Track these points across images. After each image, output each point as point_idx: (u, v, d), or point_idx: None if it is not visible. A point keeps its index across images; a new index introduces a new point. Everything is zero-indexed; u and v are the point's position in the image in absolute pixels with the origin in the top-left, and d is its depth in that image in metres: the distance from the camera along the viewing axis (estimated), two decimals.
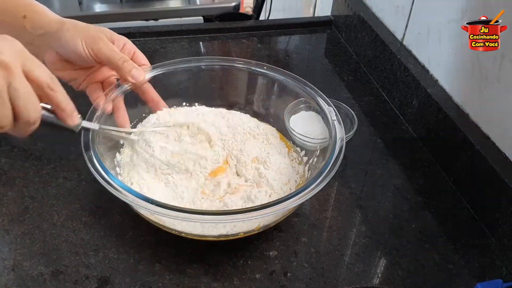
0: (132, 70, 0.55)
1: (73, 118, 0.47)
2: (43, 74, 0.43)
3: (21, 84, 0.40)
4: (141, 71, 0.56)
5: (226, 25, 0.98)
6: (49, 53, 0.54)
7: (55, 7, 1.09)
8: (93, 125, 0.52)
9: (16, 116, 0.41)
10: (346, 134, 0.65)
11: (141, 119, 0.63)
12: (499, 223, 0.56)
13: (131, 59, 0.57)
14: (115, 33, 0.57)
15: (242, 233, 0.51)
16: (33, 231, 0.55)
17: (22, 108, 0.41)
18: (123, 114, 0.57)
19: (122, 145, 0.60)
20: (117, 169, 0.57)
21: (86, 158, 0.48)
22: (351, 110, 0.69)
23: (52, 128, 0.47)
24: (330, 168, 0.49)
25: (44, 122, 0.45)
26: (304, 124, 0.63)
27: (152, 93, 0.61)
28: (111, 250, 0.53)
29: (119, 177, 0.55)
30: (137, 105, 0.62)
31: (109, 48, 0.53)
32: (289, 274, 0.52)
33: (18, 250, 0.52)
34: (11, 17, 0.53)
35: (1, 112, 0.39)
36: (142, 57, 0.58)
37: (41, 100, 0.43)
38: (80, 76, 0.57)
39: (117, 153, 0.59)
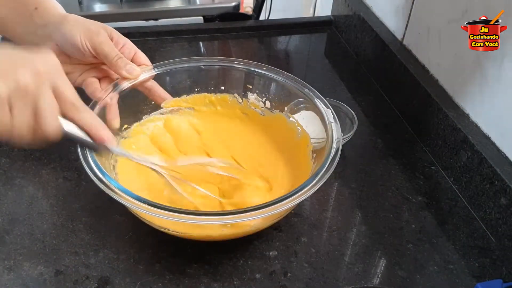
0: (127, 65, 0.55)
1: (107, 135, 0.47)
2: (70, 92, 0.43)
3: (47, 95, 0.41)
4: (136, 67, 0.56)
5: (226, 25, 0.98)
6: (50, 44, 0.55)
7: None
8: (119, 151, 0.52)
9: (35, 127, 0.41)
10: (346, 134, 0.66)
11: (137, 119, 0.63)
12: (499, 223, 0.56)
13: (132, 59, 0.58)
14: (117, 32, 0.57)
15: (237, 234, 0.51)
16: (33, 231, 0.55)
17: (42, 119, 0.41)
18: (114, 111, 0.57)
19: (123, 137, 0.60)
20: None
21: (82, 159, 0.48)
22: (351, 110, 0.69)
23: (81, 146, 0.48)
24: (326, 169, 0.49)
25: (72, 139, 0.46)
26: (304, 124, 0.63)
27: (158, 91, 0.61)
28: (111, 250, 0.53)
29: (117, 174, 0.56)
30: (135, 105, 0.63)
31: (106, 43, 0.54)
32: (289, 274, 0.52)
33: (18, 250, 0.52)
34: (24, 6, 0.56)
35: (22, 114, 0.40)
36: (143, 57, 0.59)
37: (68, 118, 0.44)
38: (77, 71, 0.57)
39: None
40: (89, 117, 0.46)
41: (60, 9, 0.57)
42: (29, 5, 0.55)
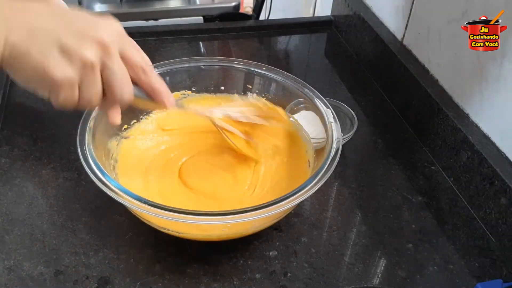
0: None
1: (170, 100, 0.48)
2: (138, 57, 0.44)
3: (118, 65, 0.41)
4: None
5: (226, 25, 0.98)
6: None
7: None
8: (179, 105, 0.52)
9: (108, 95, 0.42)
10: (346, 134, 0.66)
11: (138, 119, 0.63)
12: (499, 223, 0.56)
13: None
14: None
15: (237, 234, 0.51)
16: (33, 231, 0.55)
17: (117, 89, 0.42)
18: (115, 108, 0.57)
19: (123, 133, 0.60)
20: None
21: (82, 159, 0.48)
22: (351, 110, 0.69)
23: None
24: (326, 169, 0.49)
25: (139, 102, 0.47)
26: (304, 123, 0.63)
27: None
28: (111, 250, 0.53)
29: (116, 171, 0.56)
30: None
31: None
32: (289, 274, 0.52)
33: (18, 250, 0.52)
34: None
35: (91, 89, 0.41)
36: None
37: (134, 82, 0.44)
38: None
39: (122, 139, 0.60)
40: (156, 81, 0.46)
41: (63, 5, 0.57)
42: None
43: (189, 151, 0.63)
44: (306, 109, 0.62)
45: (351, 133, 0.66)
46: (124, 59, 0.42)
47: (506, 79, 0.56)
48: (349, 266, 0.53)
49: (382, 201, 0.62)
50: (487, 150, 0.58)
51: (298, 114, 0.64)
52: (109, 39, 0.40)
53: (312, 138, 0.61)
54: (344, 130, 0.66)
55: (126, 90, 0.42)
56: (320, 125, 0.58)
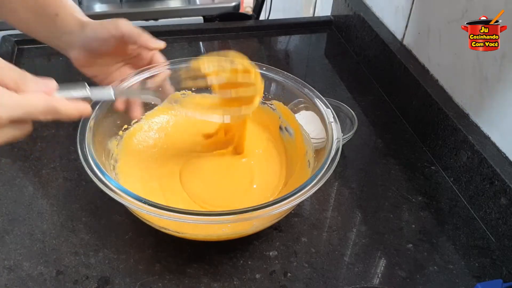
0: (151, 39, 0.58)
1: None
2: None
3: None
4: (160, 40, 0.59)
5: (226, 25, 0.98)
6: (74, 51, 0.57)
7: None
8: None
9: None
10: (346, 134, 0.66)
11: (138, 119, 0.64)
12: (499, 223, 0.56)
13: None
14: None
15: (237, 234, 0.51)
16: (33, 231, 0.55)
17: None
18: (137, 108, 0.59)
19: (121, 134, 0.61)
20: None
21: (82, 159, 0.48)
22: (351, 110, 0.69)
23: None
24: (326, 169, 0.49)
25: None
26: (304, 123, 0.63)
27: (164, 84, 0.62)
28: (111, 250, 0.53)
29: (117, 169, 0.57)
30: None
31: (130, 24, 0.56)
32: (289, 274, 0.52)
33: (18, 250, 0.52)
34: (45, 14, 0.57)
35: None
36: (159, 56, 0.63)
37: None
38: (102, 74, 0.59)
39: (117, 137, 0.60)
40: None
41: (79, 13, 0.58)
42: (50, 10, 0.56)
43: (189, 150, 0.63)
44: (306, 109, 0.62)
45: (351, 133, 0.66)
46: None
47: (506, 79, 0.56)
48: (349, 266, 0.53)
49: (382, 201, 0.62)
50: (487, 150, 0.58)
51: (298, 114, 0.64)
52: None
53: (312, 138, 0.61)
54: (344, 130, 0.66)
55: None
56: (320, 125, 0.58)
